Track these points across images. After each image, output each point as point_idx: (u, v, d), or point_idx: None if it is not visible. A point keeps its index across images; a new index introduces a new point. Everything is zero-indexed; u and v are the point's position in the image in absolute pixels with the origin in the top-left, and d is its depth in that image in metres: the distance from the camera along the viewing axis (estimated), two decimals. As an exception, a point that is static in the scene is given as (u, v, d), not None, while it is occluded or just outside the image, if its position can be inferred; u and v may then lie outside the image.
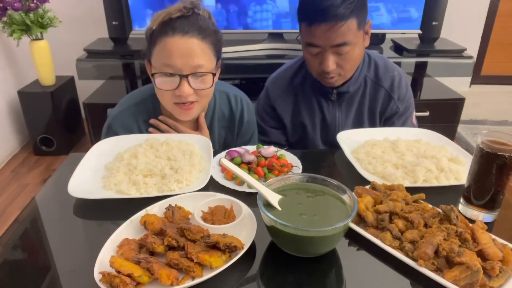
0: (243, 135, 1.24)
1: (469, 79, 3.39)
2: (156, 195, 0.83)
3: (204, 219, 0.73)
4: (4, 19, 2.31)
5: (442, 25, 2.56)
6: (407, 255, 0.66)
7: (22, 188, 2.38)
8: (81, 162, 0.94)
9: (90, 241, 0.74)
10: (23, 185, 2.41)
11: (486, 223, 0.74)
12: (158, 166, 0.92)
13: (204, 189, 0.85)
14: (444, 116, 2.44)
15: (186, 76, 0.98)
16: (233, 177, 0.91)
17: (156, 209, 0.77)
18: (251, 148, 1.04)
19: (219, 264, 0.63)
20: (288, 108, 1.26)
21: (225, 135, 1.22)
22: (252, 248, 0.70)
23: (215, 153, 1.01)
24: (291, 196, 0.73)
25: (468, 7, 3.06)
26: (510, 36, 3.41)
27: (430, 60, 2.57)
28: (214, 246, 0.65)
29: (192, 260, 0.63)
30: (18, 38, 2.34)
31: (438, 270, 0.63)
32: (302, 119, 1.25)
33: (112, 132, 1.11)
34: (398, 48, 2.71)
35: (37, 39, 2.45)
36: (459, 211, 0.80)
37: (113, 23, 2.42)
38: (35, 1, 2.31)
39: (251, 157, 0.96)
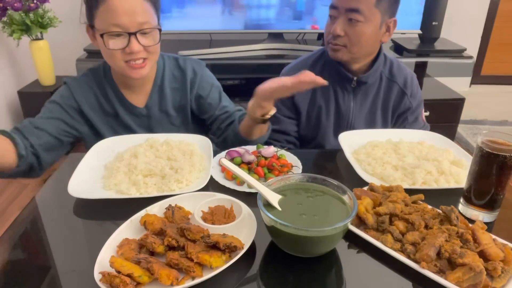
0: (205, 93, 1.22)
1: (469, 79, 3.39)
2: (156, 195, 0.83)
3: (204, 219, 0.73)
4: (4, 19, 2.31)
5: (442, 25, 2.56)
6: (408, 257, 0.66)
7: (22, 188, 2.38)
8: (81, 162, 0.94)
9: (90, 241, 0.74)
10: (23, 185, 2.40)
11: (486, 223, 0.74)
12: (158, 166, 0.92)
13: (204, 189, 0.85)
14: (444, 116, 2.44)
15: (135, 34, 1.01)
16: (233, 177, 0.91)
17: (156, 209, 0.77)
18: (251, 148, 1.04)
19: (219, 264, 0.63)
20: (306, 95, 1.28)
21: (179, 98, 1.23)
22: (252, 248, 0.70)
23: (214, 153, 1.01)
24: (291, 196, 0.73)
25: (468, 7, 3.06)
26: (510, 36, 3.41)
27: (430, 60, 2.57)
28: (214, 246, 0.65)
29: (192, 260, 0.63)
30: (18, 38, 2.34)
31: (440, 272, 0.63)
32: (319, 106, 1.28)
33: (66, 87, 1.16)
34: (398, 48, 2.71)
35: (37, 39, 2.45)
36: (459, 212, 0.80)
37: (113, 23, 2.42)
38: (35, 1, 2.30)
39: (251, 157, 0.96)
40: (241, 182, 0.89)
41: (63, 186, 0.84)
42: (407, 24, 2.45)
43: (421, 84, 2.64)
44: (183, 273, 0.63)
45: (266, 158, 0.98)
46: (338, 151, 1.06)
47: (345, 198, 0.71)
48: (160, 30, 1.07)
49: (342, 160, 1.01)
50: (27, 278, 0.65)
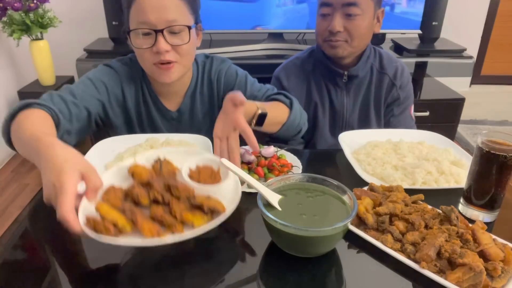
0: (231, 87, 1.16)
1: (469, 79, 3.40)
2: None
3: (191, 176, 0.74)
4: (4, 19, 2.31)
5: (442, 25, 2.55)
6: (408, 257, 0.66)
7: (22, 188, 2.38)
8: (81, 162, 0.93)
9: (90, 241, 0.74)
10: (23, 185, 2.40)
11: (486, 223, 0.74)
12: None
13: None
14: (444, 116, 2.44)
15: (161, 31, 0.97)
16: (233, 177, 0.91)
17: (144, 160, 0.77)
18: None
19: (201, 224, 0.64)
20: (302, 93, 1.28)
21: (209, 102, 1.18)
22: (252, 248, 0.70)
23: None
24: (291, 196, 0.73)
25: (468, 7, 3.06)
26: (510, 36, 3.41)
27: (430, 60, 2.57)
28: (197, 207, 0.67)
29: (175, 218, 0.64)
30: (18, 38, 2.34)
31: (440, 272, 0.63)
32: (315, 104, 1.28)
33: (114, 73, 1.10)
34: (398, 48, 2.71)
35: (37, 39, 2.45)
36: (459, 212, 0.80)
37: (113, 23, 2.42)
38: (35, 1, 2.30)
39: (251, 157, 0.96)
40: (241, 182, 0.88)
41: (63, 186, 0.84)
42: (407, 24, 2.45)
43: (421, 84, 2.66)
44: (165, 228, 0.64)
45: (266, 158, 0.98)
46: (338, 151, 1.06)
47: (345, 198, 0.71)
48: (189, 28, 1.00)
49: (342, 160, 1.01)
50: (27, 278, 0.65)
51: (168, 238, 0.61)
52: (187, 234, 0.62)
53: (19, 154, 0.85)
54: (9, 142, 0.85)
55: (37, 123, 0.82)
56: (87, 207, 0.63)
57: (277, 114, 1.04)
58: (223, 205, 0.67)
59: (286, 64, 1.33)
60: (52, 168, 0.61)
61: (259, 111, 0.94)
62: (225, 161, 0.79)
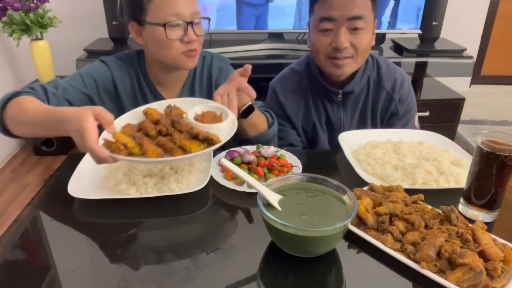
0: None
1: (469, 79, 3.40)
2: (156, 195, 0.83)
3: (195, 119, 0.86)
4: (4, 19, 2.31)
5: (442, 25, 2.56)
6: (408, 257, 0.66)
7: (22, 188, 2.38)
8: (81, 162, 0.94)
9: (90, 241, 0.74)
10: (23, 185, 2.40)
11: (486, 223, 0.74)
12: (158, 166, 0.92)
13: (204, 189, 0.85)
14: (444, 116, 2.45)
15: (191, 23, 1.05)
16: (233, 177, 0.91)
17: (156, 106, 0.92)
18: (251, 148, 1.04)
19: (197, 150, 0.77)
20: (299, 109, 1.24)
21: (206, 96, 1.21)
22: (252, 247, 0.70)
23: (214, 153, 1.01)
24: (291, 196, 0.73)
25: (468, 7, 3.06)
26: (510, 36, 3.41)
27: (430, 60, 2.58)
28: (196, 138, 0.80)
29: (175, 144, 0.77)
30: (18, 38, 2.34)
31: (440, 272, 0.63)
32: (313, 123, 1.24)
33: (105, 67, 1.14)
34: (398, 48, 2.71)
35: (37, 39, 2.45)
36: (459, 212, 0.80)
37: (113, 23, 2.43)
38: (35, 1, 2.30)
39: (251, 157, 0.96)
40: (241, 182, 0.89)
41: (63, 186, 0.84)
42: (407, 24, 2.45)
43: (421, 84, 2.66)
44: (167, 153, 0.77)
45: (266, 158, 0.98)
46: (338, 151, 1.06)
47: (345, 198, 0.71)
48: (209, 20, 1.10)
49: (342, 160, 1.01)
50: (27, 278, 0.65)
51: (168, 158, 0.76)
52: (185, 156, 0.77)
53: (15, 137, 0.96)
54: (2, 128, 0.95)
55: (39, 104, 0.93)
56: (107, 135, 0.80)
57: (259, 122, 1.12)
58: (218, 137, 0.79)
59: (283, 76, 1.28)
60: (73, 122, 0.76)
61: (250, 103, 1.06)
62: (224, 160, 0.79)
